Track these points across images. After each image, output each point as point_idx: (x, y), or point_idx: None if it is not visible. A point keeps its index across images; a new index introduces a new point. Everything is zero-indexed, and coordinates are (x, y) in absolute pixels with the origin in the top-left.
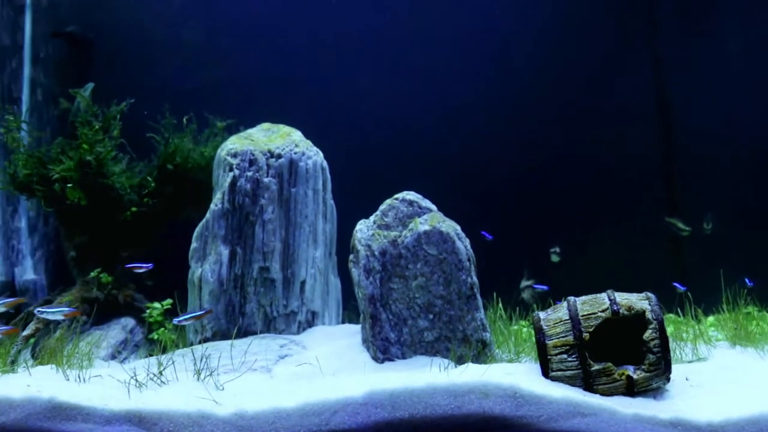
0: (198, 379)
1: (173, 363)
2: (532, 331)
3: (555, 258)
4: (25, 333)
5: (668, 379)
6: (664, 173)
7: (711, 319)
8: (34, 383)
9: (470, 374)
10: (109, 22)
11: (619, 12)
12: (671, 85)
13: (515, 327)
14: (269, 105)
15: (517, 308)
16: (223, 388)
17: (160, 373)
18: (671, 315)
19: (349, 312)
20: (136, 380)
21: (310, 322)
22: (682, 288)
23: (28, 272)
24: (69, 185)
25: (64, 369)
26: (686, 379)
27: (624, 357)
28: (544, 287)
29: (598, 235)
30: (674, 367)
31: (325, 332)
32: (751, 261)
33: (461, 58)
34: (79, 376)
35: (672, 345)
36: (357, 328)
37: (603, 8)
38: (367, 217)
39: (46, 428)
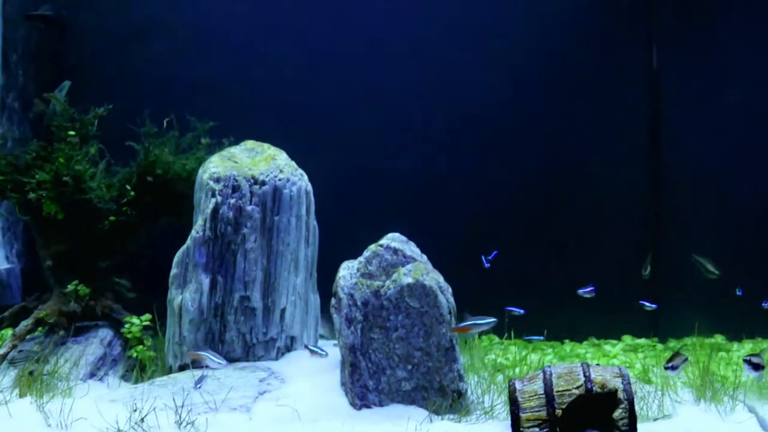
0: (179, 427)
1: (153, 406)
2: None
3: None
4: (1, 351)
5: None
6: (650, 198)
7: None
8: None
9: None
10: (88, 2)
11: (616, 28)
12: (665, 113)
13: (491, 356)
14: (254, 105)
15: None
16: None
17: (142, 420)
18: (644, 340)
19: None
20: (119, 429)
21: (289, 347)
22: (653, 306)
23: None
24: (44, 200)
25: (43, 407)
26: None
27: (594, 420)
28: (520, 311)
29: (578, 255)
30: (640, 427)
31: (303, 362)
32: (729, 287)
33: (446, 76)
34: (60, 422)
35: (640, 391)
36: (334, 355)
37: (598, 25)
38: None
39: None
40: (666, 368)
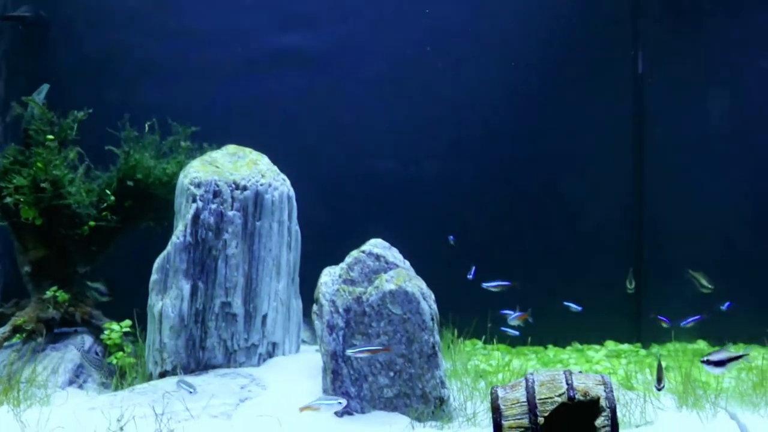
0: None
1: (133, 414)
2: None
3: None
4: None
5: None
6: (634, 204)
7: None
8: None
9: None
10: (66, 3)
11: (602, 33)
12: (649, 118)
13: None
14: (236, 110)
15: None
16: None
17: (121, 429)
18: (627, 345)
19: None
20: None
21: (271, 353)
22: (577, 308)
23: None
24: (22, 205)
25: (20, 416)
26: None
27: (576, 428)
28: (516, 333)
29: (562, 261)
30: None
31: (285, 368)
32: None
33: (431, 79)
34: None
35: (622, 398)
36: (316, 361)
37: (584, 30)
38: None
39: None
40: (657, 389)
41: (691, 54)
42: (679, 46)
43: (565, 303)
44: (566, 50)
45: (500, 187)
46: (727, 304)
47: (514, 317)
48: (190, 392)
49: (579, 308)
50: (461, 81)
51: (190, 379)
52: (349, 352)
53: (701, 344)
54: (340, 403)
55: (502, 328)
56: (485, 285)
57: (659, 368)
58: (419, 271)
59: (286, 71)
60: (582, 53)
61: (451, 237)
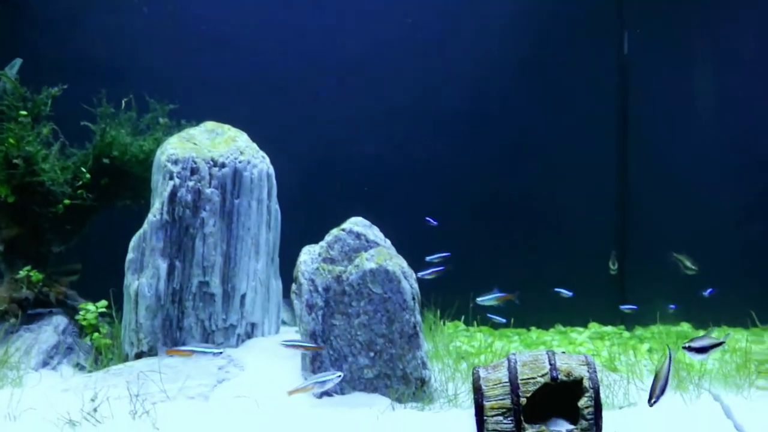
0: (133, 417)
1: (107, 395)
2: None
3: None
4: None
5: None
6: (618, 187)
7: (646, 346)
8: None
9: None
10: None
11: (588, 14)
12: (634, 99)
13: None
14: (214, 87)
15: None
16: (158, 429)
17: (95, 410)
18: (610, 327)
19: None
20: (70, 420)
21: (249, 334)
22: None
23: None
24: None
25: None
26: None
27: (559, 408)
28: (502, 320)
29: (546, 243)
30: (605, 415)
31: (264, 349)
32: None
33: (412, 62)
34: (9, 414)
35: (606, 379)
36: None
37: (570, 11)
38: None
39: None
40: (650, 404)
41: (677, 35)
42: (665, 26)
43: (556, 289)
44: (551, 30)
45: (483, 168)
46: (709, 290)
47: (492, 297)
48: (215, 354)
49: (570, 293)
50: (444, 61)
51: (166, 360)
52: (281, 343)
53: (685, 326)
54: (340, 376)
55: (489, 315)
56: (480, 300)
57: (655, 379)
58: (401, 252)
59: (267, 48)
60: (567, 33)
61: (429, 218)
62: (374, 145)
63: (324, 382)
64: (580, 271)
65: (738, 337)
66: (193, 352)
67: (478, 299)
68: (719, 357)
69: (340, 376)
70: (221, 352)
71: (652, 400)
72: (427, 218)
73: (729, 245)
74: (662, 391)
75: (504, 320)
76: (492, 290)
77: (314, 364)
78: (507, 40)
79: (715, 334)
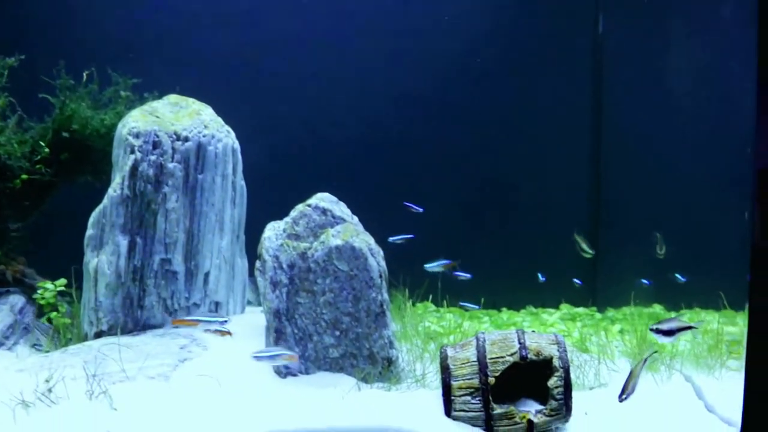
0: (90, 398)
1: (63, 375)
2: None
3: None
4: None
5: (568, 420)
6: (590, 169)
7: (617, 327)
8: None
9: (372, 413)
10: None
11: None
12: (608, 79)
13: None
14: (180, 61)
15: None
16: (116, 409)
17: (50, 390)
18: (582, 308)
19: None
20: (23, 401)
21: (213, 313)
22: (466, 275)
23: None
24: None
25: None
26: (585, 413)
27: (528, 386)
28: (467, 275)
29: (517, 224)
30: (575, 396)
31: (227, 328)
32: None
33: (386, 42)
34: None
35: (577, 359)
36: (260, 320)
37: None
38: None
39: None
40: (620, 399)
41: (652, 15)
42: (639, 6)
43: (538, 274)
44: (526, 10)
45: (455, 149)
46: (683, 279)
47: (439, 264)
48: (221, 323)
49: (543, 278)
50: (417, 41)
51: (126, 339)
52: (252, 356)
53: (657, 308)
54: (226, 321)
55: (461, 303)
56: (427, 266)
57: (629, 377)
58: (369, 230)
59: (236, 20)
60: (542, 13)
61: (410, 204)
62: (344, 121)
63: (210, 322)
64: (552, 252)
65: (710, 319)
66: (199, 321)
67: (426, 265)
68: (691, 338)
69: (226, 321)
70: (227, 321)
71: (623, 396)
72: (409, 203)
73: (702, 227)
74: (633, 389)
75: (477, 307)
76: (438, 258)
77: (278, 343)
78: (482, 20)
79: (687, 318)
